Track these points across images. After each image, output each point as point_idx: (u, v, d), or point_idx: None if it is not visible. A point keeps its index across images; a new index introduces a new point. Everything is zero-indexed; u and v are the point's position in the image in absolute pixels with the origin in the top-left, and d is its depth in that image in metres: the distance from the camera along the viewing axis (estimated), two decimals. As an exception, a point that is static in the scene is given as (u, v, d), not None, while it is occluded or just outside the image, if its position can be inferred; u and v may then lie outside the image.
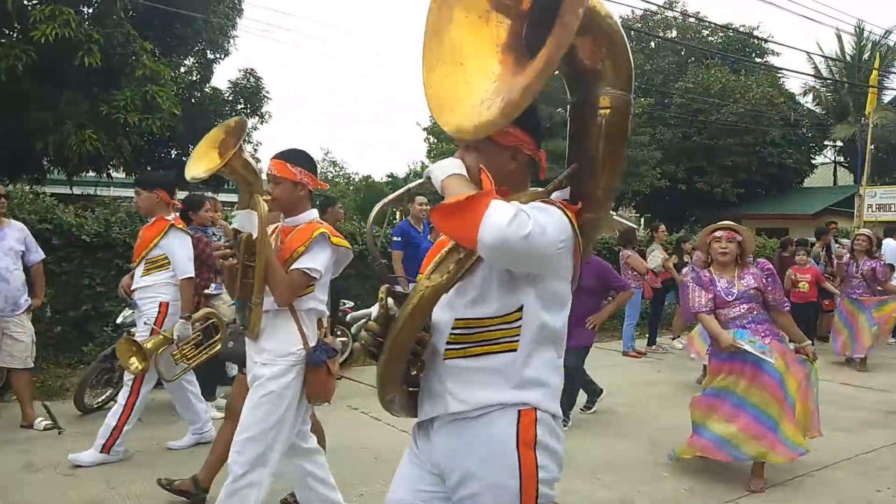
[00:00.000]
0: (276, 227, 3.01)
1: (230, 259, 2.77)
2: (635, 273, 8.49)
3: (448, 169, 1.72)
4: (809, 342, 4.20)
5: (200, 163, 2.72)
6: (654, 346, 9.05)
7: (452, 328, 1.69)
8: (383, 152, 71.16)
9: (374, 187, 23.95)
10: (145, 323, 4.32)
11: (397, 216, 24.08)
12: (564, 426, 4.70)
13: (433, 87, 1.66)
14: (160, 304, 4.34)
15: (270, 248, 2.82)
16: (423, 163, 24.84)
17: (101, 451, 4.19)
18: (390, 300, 1.70)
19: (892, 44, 24.53)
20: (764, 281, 4.12)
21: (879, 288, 8.16)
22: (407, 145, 57.54)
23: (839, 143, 26.83)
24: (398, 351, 1.67)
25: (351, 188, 27.16)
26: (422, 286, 1.64)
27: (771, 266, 4.20)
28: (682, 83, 23.95)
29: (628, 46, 1.69)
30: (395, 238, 6.78)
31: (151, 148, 13.58)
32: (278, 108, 51.26)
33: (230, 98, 13.73)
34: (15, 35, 9.82)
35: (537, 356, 1.67)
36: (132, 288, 4.50)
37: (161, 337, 4.22)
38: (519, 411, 1.64)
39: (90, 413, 5.19)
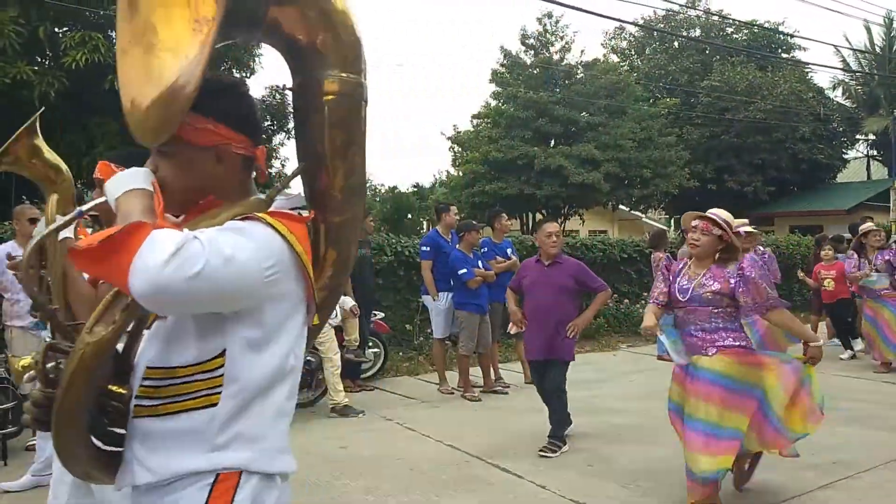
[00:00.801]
0: None
1: None
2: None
3: (125, 184, 1.32)
4: (819, 342, 3.69)
5: None
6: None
7: (143, 379, 1.36)
8: (409, 163, 71.55)
9: (401, 198, 24.01)
10: None
11: (425, 226, 24.15)
12: (554, 452, 4.65)
13: (124, 76, 1.32)
14: None
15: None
16: (448, 172, 24.88)
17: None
18: (49, 364, 1.34)
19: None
20: (732, 283, 3.51)
21: None
22: (432, 155, 57.76)
23: (871, 137, 26.27)
24: (65, 421, 1.31)
25: (378, 200, 27.25)
26: (81, 343, 1.28)
27: (747, 265, 3.58)
28: (707, 82, 23.69)
29: (353, 20, 1.44)
30: (423, 248, 6.81)
31: (181, 168, 13.85)
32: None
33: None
34: (47, 62, 10.11)
35: (252, 407, 1.33)
36: None
37: None
38: (217, 475, 1.31)
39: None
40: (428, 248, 6.74)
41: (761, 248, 7.59)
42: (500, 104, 20.97)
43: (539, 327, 4.93)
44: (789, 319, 3.66)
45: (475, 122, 22.20)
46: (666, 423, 5.52)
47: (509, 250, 7.12)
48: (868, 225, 8.07)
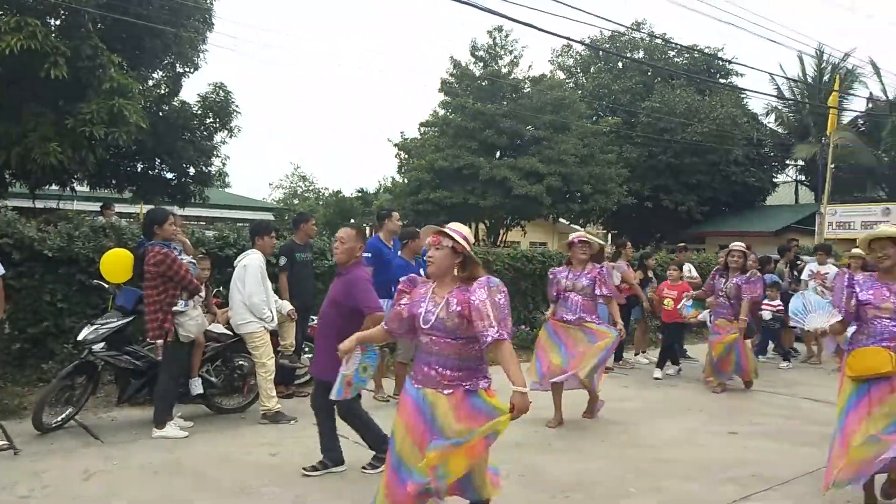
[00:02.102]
0: None
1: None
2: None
3: None
4: (523, 389, 2.95)
5: None
6: (620, 362, 9.13)
7: None
8: (354, 167, 71.09)
9: (345, 202, 23.85)
10: None
11: (368, 231, 23.93)
12: (376, 468, 4.16)
13: None
14: None
15: None
16: (393, 178, 24.84)
17: None
18: None
19: (850, 67, 25.36)
20: (469, 306, 3.02)
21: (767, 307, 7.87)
22: (378, 161, 57.50)
23: (800, 163, 27.57)
24: None
25: (321, 203, 26.96)
26: None
27: (477, 286, 3.07)
28: (648, 103, 24.44)
29: None
30: (365, 254, 6.74)
31: (117, 161, 13.39)
32: (248, 122, 50.90)
33: (199, 112, 13.62)
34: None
35: None
36: None
37: None
38: None
39: (48, 432, 5.05)
40: (369, 255, 6.66)
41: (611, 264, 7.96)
42: (448, 113, 21.12)
43: (318, 342, 4.58)
44: (509, 356, 2.99)
45: (423, 129, 22.28)
46: (598, 433, 5.66)
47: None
48: (736, 244, 7.73)
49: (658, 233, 25.15)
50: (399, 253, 6.61)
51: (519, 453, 5.06)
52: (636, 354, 9.52)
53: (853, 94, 25.42)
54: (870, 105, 26.09)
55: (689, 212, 24.35)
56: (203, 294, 5.72)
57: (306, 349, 7.00)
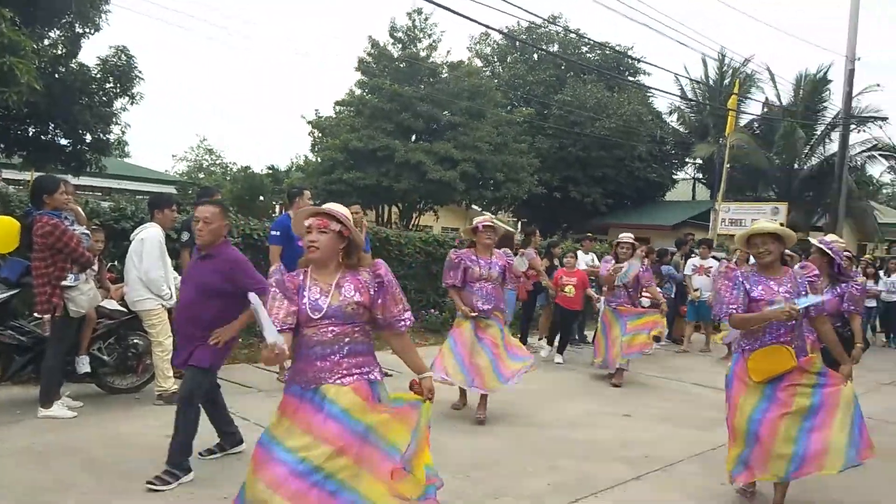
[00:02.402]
0: None
1: None
2: (512, 275, 8.76)
3: None
4: (428, 373, 3.02)
5: None
6: (524, 346, 9.36)
7: None
8: (265, 143, 69.03)
9: (254, 179, 23.10)
10: None
11: (277, 209, 23.39)
12: (168, 484, 3.69)
13: None
14: None
15: None
16: (306, 157, 24.30)
17: None
18: None
19: (749, 72, 26.85)
20: (373, 292, 2.91)
21: (646, 296, 7.72)
22: (290, 138, 56.01)
23: (699, 161, 29.01)
24: None
25: (228, 178, 26.03)
26: None
27: (385, 269, 2.98)
28: (560, 96, 25.03)
29: None
30: (273, 232, 6.58)
31: (6, 124, 12.41)
32: (152, 89, 48.34)
33: (98, 76, 12.80)
34: None
35: None
36: None
37: None
38: None
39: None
40: (278, 233, 6.51)
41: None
42: (364, 93, 20.83)
43: (181, 330, 4.17)
44: (409, 342, 3.06)
45: (338, 108, 21.89)
46: (500, 414, 5.79)
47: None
48: (624, 235, 7.78)
49: (565, 223, 25.90)
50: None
51: (423, 435, 5.10)
52: (540, 339, 9.79)
53: (750, 98, 26.97)
54: (765, 109, 27.76)
55: (595, 204, 25.23)
56: (96, 268, 5.41)
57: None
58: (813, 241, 5.46)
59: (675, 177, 30.34)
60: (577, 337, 9.74)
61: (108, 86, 12.96)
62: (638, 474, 4.49)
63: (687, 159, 30.02)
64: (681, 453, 4.98)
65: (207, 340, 3.95)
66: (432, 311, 10.53)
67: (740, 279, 3.94)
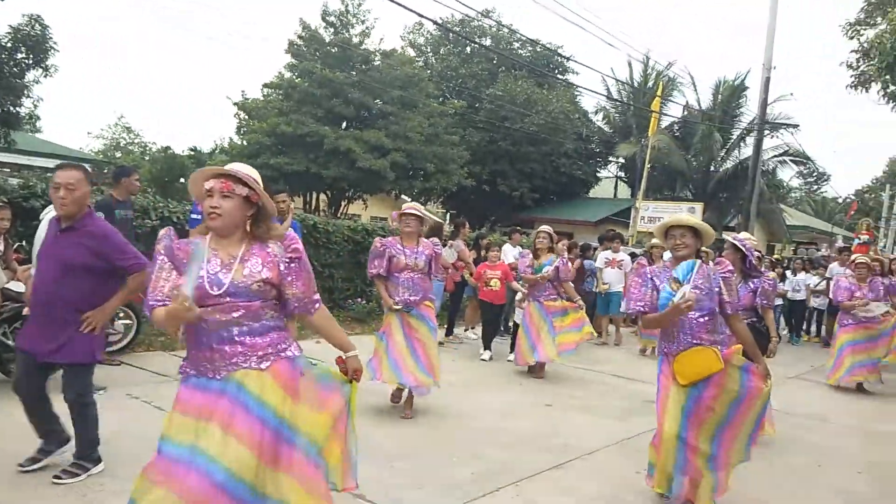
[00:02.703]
0: None
1: None
2: (439, 266, 8.80)
3: None
4: (354, 351, 2.80)
5: None
6: (451, 336, 9.44)
7: None
8: (187, 124, 66.58)
9: (175, 160, 22.19)
10: None
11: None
12: (78, 476, 3.50)
13: None
14: None
15: None
16: (230, 139, 23.56)
17: None
18: None
19: (672, 75, 27.86)
20: (283, 268, 2.57)
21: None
22: (214, 119, 54.21)
23: (621, 160, 29.92)
24: None
25: (147, 158, 24.94)
26: None
27: (291, 235, 2.78)
28: (492, 90, 25.26)
29: None
30: (194, 215, 6.37)
31: None
32: (68, 62, 45.77)
33: (9, 45, 12.00)
34: None
35: None
36: None
37: None
38: None
39: None
40: (198, 217, 6.29)
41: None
42: (294, 77, 20.38)
43: (37, 313, 3.64)
44: (330, 318, 2.81)
45: (266, 91, 21.32)
46: (425, 404, 5.81)
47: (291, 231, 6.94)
48: (543, 228, 7.64)
49: (493, 215, 26.22)
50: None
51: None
52: (466, 330, 9.88)
53: (672, 101, 27.99)
54: (685, 112, 28.88)
55: (522, 198, 25.66)
56: (1, 248, 5.08)
57: (121, 314, 6.49)
58: (728, 237, 5.68)
59: (598, 174, 31.22)
60: (502, 329, 9.86)
61: (19, 56, 12.20)
62: (558, 462, 4.60)
63: (610, 158, 30.94)
64: (599, 442, 5.13)
65: (79, 328, 3.52)
66: (359, 300, 10.45)
67: (649, 276, 3.83)
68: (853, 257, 8.98)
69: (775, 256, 16.85)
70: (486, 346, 8.53)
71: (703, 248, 11.24)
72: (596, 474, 4.48)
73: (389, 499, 3.73)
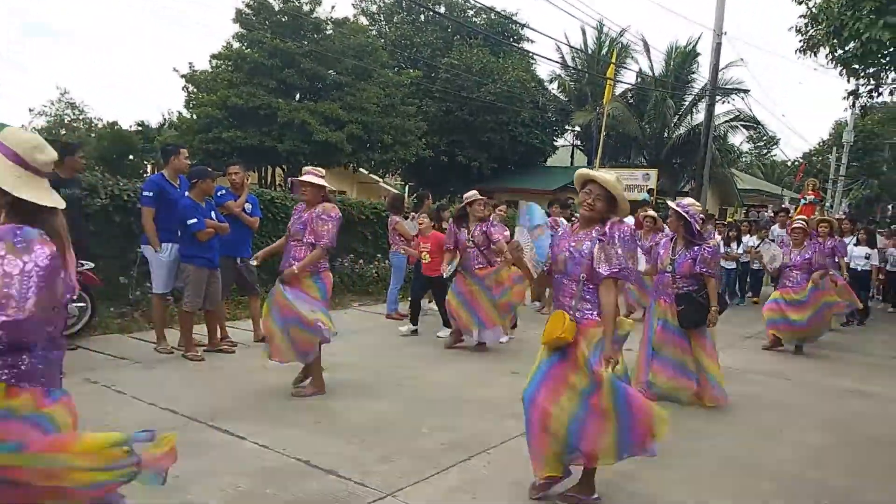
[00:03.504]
0: None
1: None
2: (403, 239, 8.73)
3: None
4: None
5: None
6: (419, 310, 9.39)
7: None
8: (133, 98, 64.34)
9: (123, 136, 21.48)
10: None
11: (149, 169, 21.93)
12: None
13: None
14: None
15: None
16: (179, 113, 22.84)
17: None
18: None
19: (625, 42, 27.97)
20: None
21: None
22: (161, 92, 52.45)
23: (577, 128, 30.07)
24: None
25: (93, 135, 24.07)
26: None
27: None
28: (447, 59, 24.97)
29: None
30: (145, 193, 6.13)
31: None
32: (3, 35, 43.57)
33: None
34: None
35: None
36: None
37: None
38: None
39: None
40: (151, 194, 6.08)
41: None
42: (243, 47, 19.79)
43: None
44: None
45: (215, 62, 20.68)
46: (391, 377, 5.79)
47: (249, 205, 6.77)
48: (471, 193, 7.41)
49: (451, 187, 26.14)
50: (187, 193, 6.10)
51: (314, 400, 5.01)
52: (430, 302, 9.85)
53: (625, 68, 28.15)
54: (638, 79, 29.09)
55: (481, 168, 25.61)
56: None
57: (74, 297, 6.26)
58: (671, 204, 5.66)
59: (555, 143, 31.33)
60: (429, 301, 9.07)
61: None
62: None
63: (567, 126, 31.04)
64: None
65: None
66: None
67: (555, 233, 3.70)
68: (792, 221, 9.19)
69: (728, 220, 17.20)
70: (445, 324, 7.92)
71: (650, 214, 11.13)
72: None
73: (362, 472, 3.70)
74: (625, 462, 3.54)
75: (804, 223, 8.38)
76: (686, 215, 5.28)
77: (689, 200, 5.66)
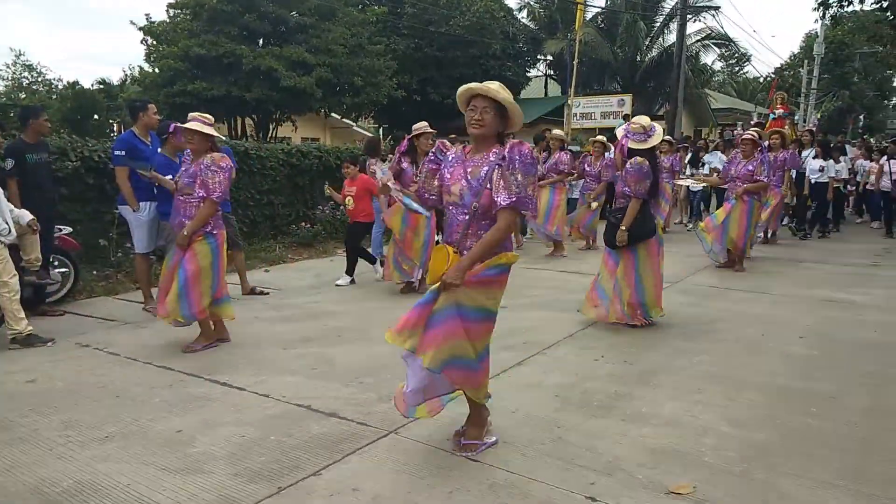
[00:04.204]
0: None
1: None
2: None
3: None
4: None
5: None
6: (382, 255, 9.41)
7: None
8: (91, 56, 62.07)
9: (85, 95, 20.80)
10: None
11: (116, 128, 21.37)
12: None
13: None
14: None
15: None
16: (140, 67, 22.12)
17: None
18: None
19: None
20: None
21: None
22: (119, 47, 50.58)
23: (549, 58, 29.61)
24: None
25: (55, 97, 23.30)
26: None
27: None
28: (413, -7, 24.25)
29: None
30: (117, 152, 6.00)
31: None
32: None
33: None
34: None
35: None
36: None
37: None
38: None
39: None
40: (123, 153, 5.95)
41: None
42: (200, -6, 18.99)
43: None
44: None
45: (172, 12, 19.89)
46: (381, 322, 5.84)
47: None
48: (420, 125, 7.25)
49: (426, 126, 25.82)
50: (160, 150, 5.98)
51: (308, 347, 5.07)
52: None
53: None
54: (608, 2, 28.52)
55: (455, 105, 25.17)
56: None
57: (55, 262, 6.20)
58: (618, 132, 5.66)
59: (528, 74, 30.85)
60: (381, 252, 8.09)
61: None
62: (521, 359, 4.74)
63: (539, 56, 30.53)
64: (555, 336, 5.30)
65: None
66: (303, 224, 10.27)
67: (436, 156, 3.35)
68: (741, 133, 9.26)
69: (702, 140, 17.17)
70: (371, 262, 7.74)
71: (599, 139, 11.52)
72: (557, 366, 4.64)
73: (362, 413, 3.78)
74: (614, 383, 3.63)
75: (754, 135, 8.30)
76: (617, 135, 5.26)
77: (639, 119, 5.46)
